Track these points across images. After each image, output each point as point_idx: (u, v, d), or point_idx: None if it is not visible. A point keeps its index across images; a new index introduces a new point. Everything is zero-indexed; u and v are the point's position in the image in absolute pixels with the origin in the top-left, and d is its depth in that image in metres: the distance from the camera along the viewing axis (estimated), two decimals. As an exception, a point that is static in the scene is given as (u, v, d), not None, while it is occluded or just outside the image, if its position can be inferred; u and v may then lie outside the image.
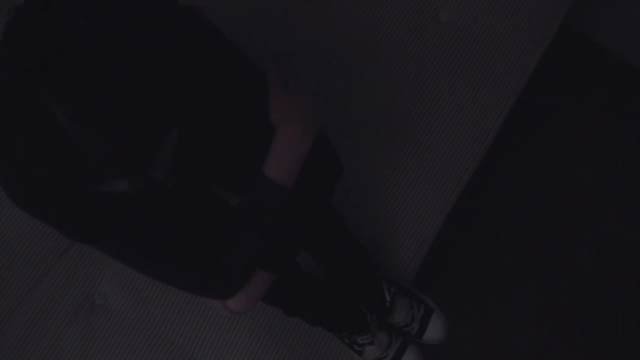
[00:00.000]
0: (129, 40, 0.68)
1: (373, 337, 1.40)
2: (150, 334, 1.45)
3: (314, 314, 1.36)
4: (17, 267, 1.47)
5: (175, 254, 0.97)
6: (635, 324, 1.96)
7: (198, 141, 1.04)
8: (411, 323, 1.46)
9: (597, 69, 2.14)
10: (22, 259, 1.47)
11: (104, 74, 0.66)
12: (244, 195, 0.98)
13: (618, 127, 2.10)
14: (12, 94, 0.67)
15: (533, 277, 1.97)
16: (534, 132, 2.09)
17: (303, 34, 1.57)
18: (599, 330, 1.95)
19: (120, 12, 0.70)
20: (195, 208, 1.10)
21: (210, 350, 1.44)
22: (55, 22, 0.66)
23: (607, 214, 2.03)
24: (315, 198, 1.08)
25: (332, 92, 1.54)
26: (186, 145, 0.84)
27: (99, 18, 0.68)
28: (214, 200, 1.17)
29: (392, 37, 1.58)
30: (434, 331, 1.47)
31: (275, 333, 1.45)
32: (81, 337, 1.45)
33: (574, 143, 2.08)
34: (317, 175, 1.06)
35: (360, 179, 1.51)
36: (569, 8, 1.64)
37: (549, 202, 2.04)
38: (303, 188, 1.00)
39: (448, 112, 1.55)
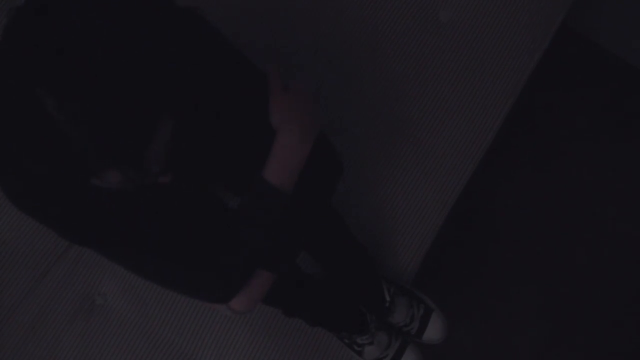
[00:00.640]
0: (125, 38, 0.69)
1: (372, 337, 1.40)
2: (150, 334, 1.45)
3: (313, 315, 1.36)
4: (17, 267, 1.47)
5: (174, 254, 0.97)
6: (636, 323, 1.96)
7: (196, 138, 1.04)
8: (411, 323, 1.46)
9: (597, 69, 2.14)
10: (21, 260, 1.47)
11: (96, 65, 0.66)
12: (244, 197, 0.98)
13: (618, 127, 2.10)
14: (10, 92, 0.67)
15: (533, 277, 1.98)
16: (534, 132, 2.09)
17: (303, 33, 1.57)
18: (599, 330, 1.95)
19: (119, 12, 0.70)
20: (194, 208, 1.10)
21: (210, 351, 1.44)
22: (54, 22, 0.67)
23: (608, 213, 2.03)
24: (315, 198, 1.08)
25: (332, 92, 1.54)
26: (183, 141, 0.84)
27: (98, 18, 0.68)
28: (214, 201, 1.17)
29: (392, 36, 1.58)
30: (434, 331, 1.47)
31: (274, 333, 1.45)
32: (81, 337, 1.45)
33: (575, 143, 2.08)
34: (318, 176, 1.06)
35: (360, 178, 1.51)
36: (569, 8, 1.64)
37: (549, 202, 2.04)
38: (304, 188, 1.00)
39: (448, 112, 1.55)
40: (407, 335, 1.48)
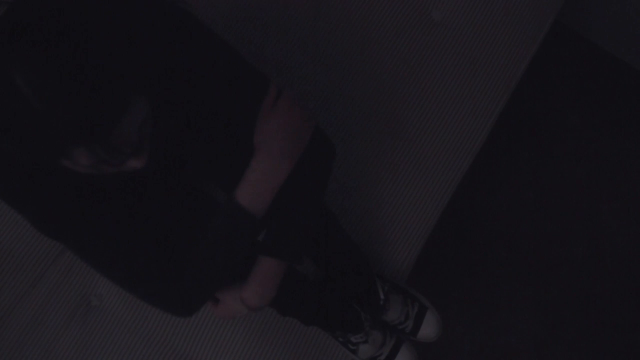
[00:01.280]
0: (97, 13, 0.70)
1: (367, 336, 1.40)
2: (146, 334, 1.46)
3: (307, 314, 1.36)
4: (13, 270, 1.47)
5: (142, 258, 0.95)
6: (630, 319, 1.97)
7: (172, 125, 1.03)
8: (405, 321, 1.46)
9: (590, 67, 2.15)
10: (17, 262, 1.47)
11: (66, 40, 0.67)
12: (217, 214, 0.97)
13: (612, 124, 2.11)
14: None
15: (528, 274, 1.98)
16: (528, 130, 2.09)
17: (295, 35, 1.57)
18: (596, 326, 1.95)
19: None
20: (178, 214, 1.09)
21: (206, 350, 1.45)
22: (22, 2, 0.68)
23: (604, 210, 2.04)
24: (313, 182, 1.07)
25: (324, 92, 1.55)
26: (158, 125, 0.84)
27: None
28: (203, 206, 1.17)
29: (385, 36, 1.58)
30: (428, 329, 1.47)
31: (270, 332, 1.45)
32: (77, 338, 1.46)
33: (568, 140, 2.09)
34: (312, 159, 1.05)
35: (353, 178, 1.51)
36: (562, 5, 1.65)
37: (545, 199, 2.04)
38: (300, 172, 1.00)
39: (441, 110, 1.55)
40: (402, 333, 1.48)
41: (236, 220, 0.95)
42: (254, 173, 0.95)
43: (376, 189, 1.52)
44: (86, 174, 0.90)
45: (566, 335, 1.95)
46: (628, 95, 2.13)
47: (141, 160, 0.83)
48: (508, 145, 2.07)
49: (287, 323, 1.46)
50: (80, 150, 0.72)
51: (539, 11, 1.60)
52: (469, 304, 1.94)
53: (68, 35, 0.67)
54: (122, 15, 0.73)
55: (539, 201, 2.04)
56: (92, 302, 1.47)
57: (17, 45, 0.66)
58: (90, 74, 0.68)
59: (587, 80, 2.14)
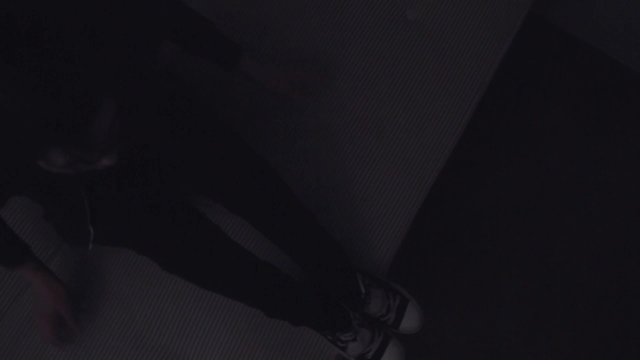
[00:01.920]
0: (70, 15, 0.73)
1: (355, 334, 1.41)
2: (134, 334, 1.47)
3: (294, 315, 1.38)
4: (1, 275, 1.49)
5: None
6: (617, 306, 1.98)
7: (139, 124, 1.06)
8: (387, 313, 1.47)
9: (568, 59, 2.17)
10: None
11: (40, 43, 0.69)
12: None
13: (592, 115, 2.13)
14: None
15: (511, 265, 2.00)
16: (510, 124, 2.11)
17: (271, 35, 1.60)
18: (582, 315, 1.97)
19: None
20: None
21: (193, 349, 1.46)
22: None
23: (587, 202, 2.06)
24: None
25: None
26: (126, 123, 0.87)
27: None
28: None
29: (361, 36, 1.61)
30: (410, 321, 1.49)
31: (258, 329, 1.47)
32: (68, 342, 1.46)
33: (550, 134, 2.11)
34: None
35: (330, 176, 1.54)
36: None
37: (528, 193, 2.06)
38: None
39: (417, 108, 1.58)
40: (384, 326, 1.49)
41: None
42: None
43: (353, 186, 1.54)
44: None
45: (555, 325, 1.96)
46: (606, 86, 2.15)
47: (112, 158, 0.86)
48: (490, 138, 2.09)
49: (275, 321, 1.47)
50: (57, 151, 0.75)
51: (512, 5, 1.62)
52: (455, 297, 1.96)
53: (39, 38, 0.69)
54: (91, 15, 0.75)
55: (523, 194, 2.06)
56: (80, 305, 1.48)
57: None
58: (64, 75, 0.71)
59: (566, 72, 2.16)
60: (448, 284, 1.97)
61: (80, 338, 1.47)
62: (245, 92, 1.56)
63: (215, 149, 1.28)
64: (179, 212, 1.26)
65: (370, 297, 1.44)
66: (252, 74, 1.35)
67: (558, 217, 2.04)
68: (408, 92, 1.59)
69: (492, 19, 1.62)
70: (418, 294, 1.54)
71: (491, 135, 2.09)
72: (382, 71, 1.59)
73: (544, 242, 2.02)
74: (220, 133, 1.30)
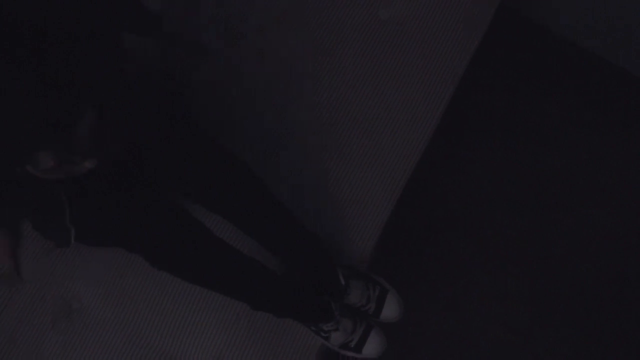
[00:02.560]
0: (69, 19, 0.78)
1: (338, 324, 1.44)
2: (127, 331, 1.49)
3: (278, 308, 1.41)
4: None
5: None
6: (615, 304, 1.95)
7: (120, 127, 1.11)
8: (367, 303, 1.49)
9: (565, 60, 2.16)
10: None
11: (40, 47, 0.74)
12: None
13: (591, 115, 2.11)
14: None
15: (511, 265, 1.99)
16: (507, 123, 2.11)
17: (250, 38, 1.65)
18: (578, 314, 1.95)
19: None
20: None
21: (184, 345, 1.49)
22: None
23: (581, 198, 2.04)
24: None
25: (279, 94, 1.61)
26: (107, 126, 0.92)
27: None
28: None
29: (335, 36, 1.64)
30: (390, 310, 1.51)
31: (246, 322, 1.49)
32: (62, 341, 1.48)
33: (547, 132, 2.10)
34: None
35: (307, 174, 1.57)
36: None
37: (523, 193, 2.06)
38: None
39: (392, 104, 1.61)
40: (366, 315, 1.51)
41: None
42: None
43: (331, 183, 1.57)
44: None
45: (554, 325, 1.94)
46: (605, 86, 2.14)
47: (93, 161, 0.91)
48: (490, 138, 2.09)
49: (261, 315, 1.48)
50: (46, 153, 0.80)
51: (481, 2, 1.66)
52: (439, 292, 1.97)
53: (41, 44, 0.74)
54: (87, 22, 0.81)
55: (513, 188, 2.05)
56: (72, 305, 1.51)
57: None
58: (60, 79, 0.76)
59: (564, 73, 2.16)
60: (431, 279, 1.97)
61: (76, 337, 1.49)
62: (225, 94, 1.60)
63: (187, 148, 1.31)
64: (162, 209, 1.29)
65: (349, 288, 1.46)
66: None
67: (558, 217, 2.03)
68: (380, 90, 1.61)
69: (463, 13, 1.65)
70: (404, 288, 1.55)
71: (491, 135, 2.09)
72: (357, 70, 1.62)
73: (543, 242, 2.01)
74: (191, 131, 1.33)
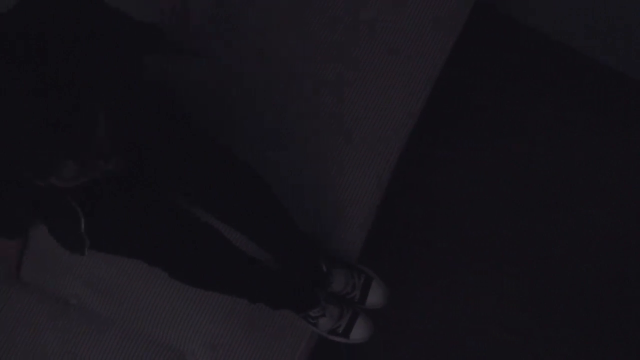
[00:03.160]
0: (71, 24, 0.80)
1: (324, 310, 1.47)
2: (125, 326, 1.51)
3: (274, 300, 1.43)
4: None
5: None
6: (614, 304, 1.96)
7: (131, 130, 1.13)
8: (352, 291, 1.53)
9: (559, 61, 2.17)
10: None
11: (42, 58, 0.77)
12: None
13: (591, 115, 2.12)
14: None
15: (511, 265, 1.99)
16: (506, 123, 2.12)
17: (233, 34, 1.66)
18: (578, 314, 1.95)
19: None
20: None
21: (179, 334, 1.50)
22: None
23: (577, 196, 2.05)
24: None
25: (277, 93, 1.63)
26: (120, 129, 0.94)
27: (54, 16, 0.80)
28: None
29: (316, 37, 1.67)
30: (375, 297, 1.55)
31: (242, 312, 1.51)
32: (61, 338, 1.49)
33: (546, 132, 2.11)
34: None
35: (308, 173, 1.59)
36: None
37: (523, 193, 2.06)
38: None
39: (372, 102, 1.64)
40: (351, 302, 1.55)
41: None
42: None
43: (319, 181, 1.59)
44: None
45: (554, 325, 1.94)
46: (604, 87, 2.14)
47: (112, 162, 0.92)
48: (489, 138, 2.09)
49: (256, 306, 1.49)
50: (69, 163, 0.81)
51: (458, 2, 1.69)
52: (417, 290, 1.97)
53: (44, 49, 0.77)
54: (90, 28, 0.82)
55: (523, 194, 2.05)
56: (70, 301, 1.52)
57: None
58: (70, 90, 0.78)
59: (557, 73, 2.16)
60: (421, 272, 1.98)
61: (74, 333, 1.50)
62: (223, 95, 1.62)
63: (187, 148, 1.32)
64: (162, 209, 1.31)
65: (332, 276, 1.50)
66: None
67: (557, 217, 2.03)
68: (362, 90, 1.63)
69: (440, 12, 1.68)
70: (393, 280, 1.56)
71: (477, 135, 2.09)
72: (337, 68, 1.64)
73: (543, 242, 2.01)
74: (191, 131, 1.35)
